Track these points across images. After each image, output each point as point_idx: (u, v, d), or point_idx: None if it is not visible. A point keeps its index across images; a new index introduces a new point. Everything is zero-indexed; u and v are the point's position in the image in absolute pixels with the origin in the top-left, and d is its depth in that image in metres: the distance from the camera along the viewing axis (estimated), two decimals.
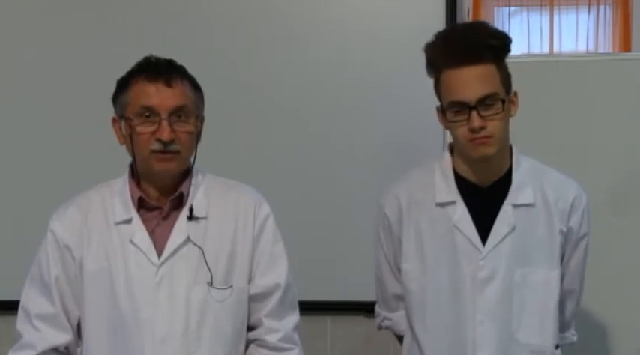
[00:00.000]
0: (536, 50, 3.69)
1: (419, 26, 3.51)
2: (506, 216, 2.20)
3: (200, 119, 2.08)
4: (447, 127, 2.20)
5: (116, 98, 2.07)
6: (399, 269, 2.33)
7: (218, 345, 2.02)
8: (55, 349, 2.06)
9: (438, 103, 2.23)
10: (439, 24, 3.49)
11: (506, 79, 2.16)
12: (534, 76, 3.02)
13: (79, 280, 2.04)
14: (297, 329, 2.15)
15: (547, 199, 2.22)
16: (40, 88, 3.54)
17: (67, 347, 2.08)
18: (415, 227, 2.27)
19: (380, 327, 2.51)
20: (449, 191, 2.23)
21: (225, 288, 2.03)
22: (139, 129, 1.99)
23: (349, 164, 3.51)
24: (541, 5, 3.63)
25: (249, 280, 2.08)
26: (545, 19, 3.67)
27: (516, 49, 3.69)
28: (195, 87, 2.08)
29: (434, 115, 3.32)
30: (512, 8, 3.67)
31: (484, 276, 2.18)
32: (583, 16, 3.60)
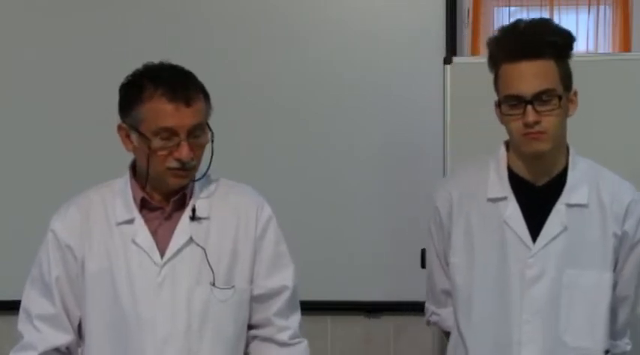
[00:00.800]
0: None
1: (419, 26, 3.52)
2: (558, 215, 2.17)
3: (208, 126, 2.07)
4: (502, 121, 2.16)
5: (126, 107, 2.02)
6: (449, 264, 2.30)
7: (219, 345, 2.02)
8: (56, 350, 2.06)
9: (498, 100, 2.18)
10: (439, 24, 3.50)
11: (566, 77, 2.13)
12: None
13: (81, 280, 2.04)
14: (301, 326, 2.16)
15: (602, 201, 2.19)
16: (40, 88, 3.54)
17: (67, 348, 2.08)
18: (465, 221, 2.25)
19: (428, 323, 2.49)
20: (501, 187, 2.21)
21: (228, 288, 2.03)
22: (158, 149, 1.96)
23: (349, 164, 3.51)
24: (541, 5, 3.63)
25: (251, 281, 2.08)
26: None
27: None
28: (205, 95, 2.05)
29: (434, 115, 3.35)
30: (512, 8, 3.67)
31: (532, 275, 2.15)
32: (583, 16, 3.59)
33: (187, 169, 1.99)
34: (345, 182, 3.51)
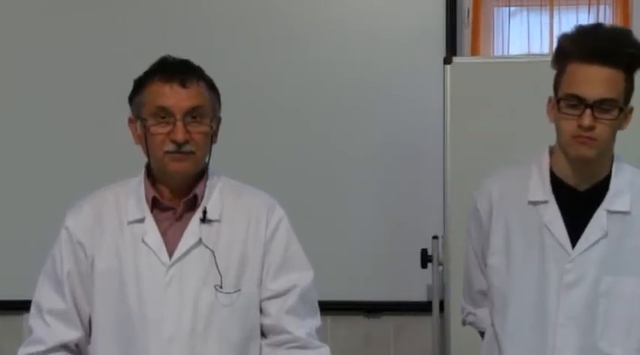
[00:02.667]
0: (536, 50, 3.69)
1: (419, 26, 3.52)
2: (599, 221, 2.15)
3: (216, 120, 2.07)
4: (554, 119, 2.14)
5: (132, 98, 2.06)
6: (486, 265, 2.29)
7: (225, 348, 2.01)
8: (65, 345, 2.06)
9: (554, 96, 2.15)
10: (439, 24, 3.50)
11: (629, 92, 2.12)
12: (534, 76, 3.01)
13: (90, 277, 2.05)
14: (319, 333, 2.11)
15: None
16: (40, 88, 3.55)
17: (77, 345, 2.08)
18: (505, 222, 2.23)
19: (464, 322, 2.47)
20: (543, 190, 2.19)
21: (233, 292, 2.02)
22: (154, 130, 1.98)
23: (349, 164, 3.52)
24: (541, 5, 3.63)
25: (260, 284, 2.08)
26: (545, 19, 3.66)
27: (516, 49, 3.71)
28: (212, 88, 2.06)
29: (434, 115, 3.35)
30: (512, 8, 3.66)
31: (570, 280, 2.13)
32: (583, 15, 3.59)
33: (183, 152, 1.98)
34: (345, 182, 3.51)
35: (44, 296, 2.07)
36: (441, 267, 3.28)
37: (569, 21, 3.59)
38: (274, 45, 3.52)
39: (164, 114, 1.98)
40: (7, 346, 2.13)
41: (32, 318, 2.08)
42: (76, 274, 2.06)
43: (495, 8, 3.71)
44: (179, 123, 1.97)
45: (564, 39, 2.17)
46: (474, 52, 3.58)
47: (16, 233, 3.49)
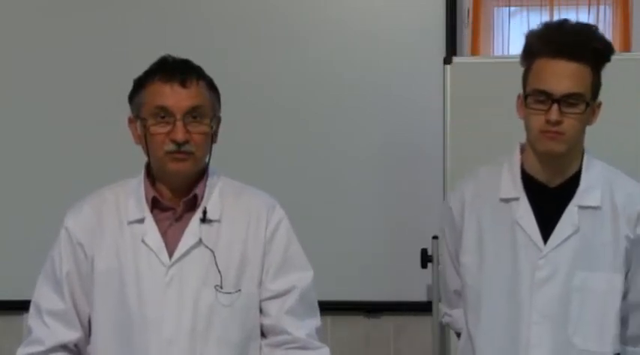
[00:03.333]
0: None
1: (419, 26, 3.52)
2: (570, 216, 2.16)
3: (216, 120, 2.07)
4: (523, 115, 2.15)
5: (132, 98, 2.06)
6: (460, 264, 2.29)
7: (225, 348, 2.01)
8: (64, 346, 2.06)
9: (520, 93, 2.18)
10: (439, 24, 3.50)
11: (596, 86, 2.14)
12: None
13: (90, 278, 2.05)
14: (319, 334, 2.11)
15: (615, 203, 2.18)
16: (40, 88, 3.55)
17: (76, 345, 2.08)
18: (477, 221, 2.24)
19: (441, 323, 2.49)
20: (514, 187, 2.20)
21: (233, 293, 2.02)
22: (154, 129, 1.98)
23: (349, 164, 3.52)
24: (541, 5, 3.63)
25: (260, 284, 2.08)
26: (545, 19, 3.66)
27: (516, 49, 3.70)
28: (212, 87, 2.06)
29: (434, 115, 3.35)
30: (512, 8, 3.67)
31: (543, 276, 2.14)
32: (583, 16, 3.59)
33: (183, 152, 1.98)
34: (345, 182, 3.51)
35: (43, 296, 2.07)
36: (441, 267, 3.27)
37: None
38: (274, 45, 3.52)
39: (164, 113, 1.98)
40: (7, 346, 2.13)
41: (31, 319, 2.08)
42: (75, 274, 2.05)
43: (495, 8, 3.71)
44: (179, 123, 1.97)
45: (531, 36, 2.18)
46: (474, 52, 3.58)
47: (16, 233, 3.49)
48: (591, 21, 3.60)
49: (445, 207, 2.36)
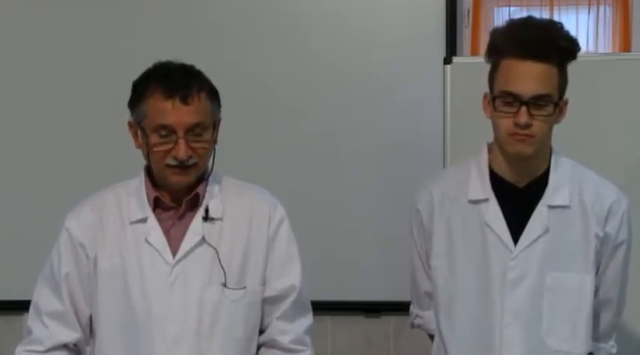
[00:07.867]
0: None
1: (419, 26, 3.52)
2: (540, 216, 2.15)
3: (217, 124, 2.07)
4: (490, 116, 2.13)
5: (132, 104, 2.04)
6: (430, 267, 2.28)
7: (230, 346, 2.02)
8: (64, 345, 2.07)
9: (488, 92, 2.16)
10: (439, 24, 3.50)
11: (562, 85, 2.11)
12: None
13: (93, 278, 2.05)
14: (309, 332, 2.14)
15: (584, 201, 2.17)
16: (40, 88, 3.54)
17: (75, 345, 2.09)
18: (446, 223, 2.23)
19: (412, 325, 2.46)
20: (482, 188, 2.19)
21: (239, 289, 2.03)
22: (156, 146, 1.98)
23: (349, 164, 3.51)
24: (541, 5, 3.63)
25: (263, 282, 2.08)
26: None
27: None
28: (212, 95, 2.04)
29: (434, 115, 3.34)
30: (512, 8, 3.67)
31: (514, 277, 2.13)
32: (583, 15, 3.59)
33: (185, 167, 1.98)
34: (345, 181, 3.51)
35: (43, 297, 2.08)
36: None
37: (569, 21, 3.59)
38: (274, 45, 3.52)
39: (166, 132, 1.97)
40: (7, 346, 2.13)
41: (31, 320, 2.09)
42: (75, 276, 2.06)
43: (495, 8, 3.71)
44: (181, 141, 1.96)
45: (496, 34, 2.15)
46: (474, 52, 3.58)
47: (16, 233, 3.49)
48: (591, 21, 3.60)
49: (413, 209, 2.33)
